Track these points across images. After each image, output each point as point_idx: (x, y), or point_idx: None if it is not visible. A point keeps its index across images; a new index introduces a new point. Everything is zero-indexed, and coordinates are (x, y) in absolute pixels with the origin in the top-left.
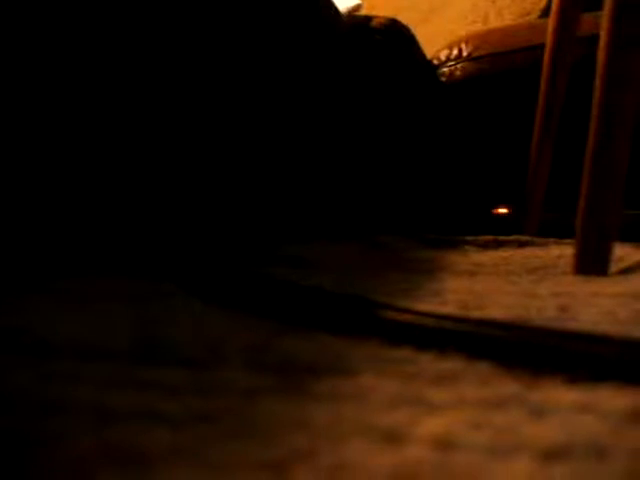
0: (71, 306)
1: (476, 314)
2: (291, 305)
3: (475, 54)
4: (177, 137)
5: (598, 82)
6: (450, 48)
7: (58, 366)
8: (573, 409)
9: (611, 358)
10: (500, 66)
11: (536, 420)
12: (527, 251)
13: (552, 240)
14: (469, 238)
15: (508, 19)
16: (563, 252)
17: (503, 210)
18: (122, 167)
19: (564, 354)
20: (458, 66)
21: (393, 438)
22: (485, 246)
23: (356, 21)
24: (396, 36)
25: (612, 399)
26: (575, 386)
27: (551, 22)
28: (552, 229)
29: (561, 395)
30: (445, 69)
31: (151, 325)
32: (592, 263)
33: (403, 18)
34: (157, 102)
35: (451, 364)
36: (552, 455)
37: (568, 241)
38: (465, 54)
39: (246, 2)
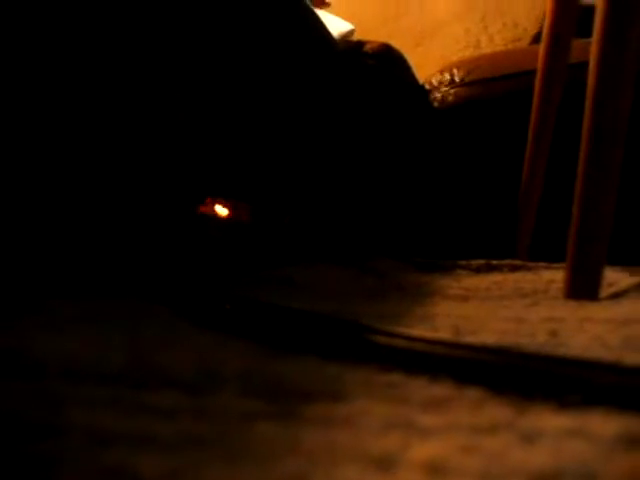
0: (66, 328)
1: (468, 339)
2: (283, 329)
3: (467, 79)
4: (168, 160)
5: (589, 96)
6: (442, 73)
7: (53, 388)
8: (563, 434)
9: (601, 384)
10: (492, 91)
11: (527, 445)
12: (519, 275)
13: (543, 264)
14: (462, 262)
15: (500, 45)
16: (554, 277)
17: (222, 210)
18: (110, 188)
19: (554, 379)
20: (450, 91)
21: (385, 463)
22: (477, 270)
23: (349, 46)
24: (389, 61)
25: (602, 424)
26: (565, 411)
27: (543, 48)
28: (543, 253)
29: (551, 420)
30: (437, 94)
31: (145, 348)
32: (583, 288)
33: (396, 43)
34: (135, 132)
35: (442, 389)
36: None
37: (559, 265)
38: (457, 79)
39: (236, 26)
